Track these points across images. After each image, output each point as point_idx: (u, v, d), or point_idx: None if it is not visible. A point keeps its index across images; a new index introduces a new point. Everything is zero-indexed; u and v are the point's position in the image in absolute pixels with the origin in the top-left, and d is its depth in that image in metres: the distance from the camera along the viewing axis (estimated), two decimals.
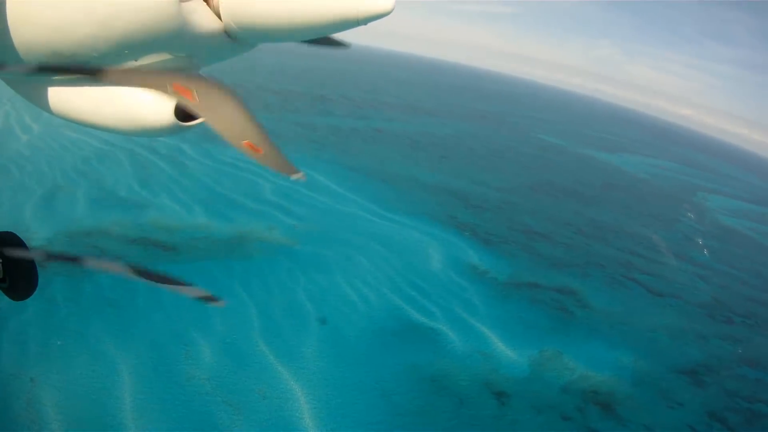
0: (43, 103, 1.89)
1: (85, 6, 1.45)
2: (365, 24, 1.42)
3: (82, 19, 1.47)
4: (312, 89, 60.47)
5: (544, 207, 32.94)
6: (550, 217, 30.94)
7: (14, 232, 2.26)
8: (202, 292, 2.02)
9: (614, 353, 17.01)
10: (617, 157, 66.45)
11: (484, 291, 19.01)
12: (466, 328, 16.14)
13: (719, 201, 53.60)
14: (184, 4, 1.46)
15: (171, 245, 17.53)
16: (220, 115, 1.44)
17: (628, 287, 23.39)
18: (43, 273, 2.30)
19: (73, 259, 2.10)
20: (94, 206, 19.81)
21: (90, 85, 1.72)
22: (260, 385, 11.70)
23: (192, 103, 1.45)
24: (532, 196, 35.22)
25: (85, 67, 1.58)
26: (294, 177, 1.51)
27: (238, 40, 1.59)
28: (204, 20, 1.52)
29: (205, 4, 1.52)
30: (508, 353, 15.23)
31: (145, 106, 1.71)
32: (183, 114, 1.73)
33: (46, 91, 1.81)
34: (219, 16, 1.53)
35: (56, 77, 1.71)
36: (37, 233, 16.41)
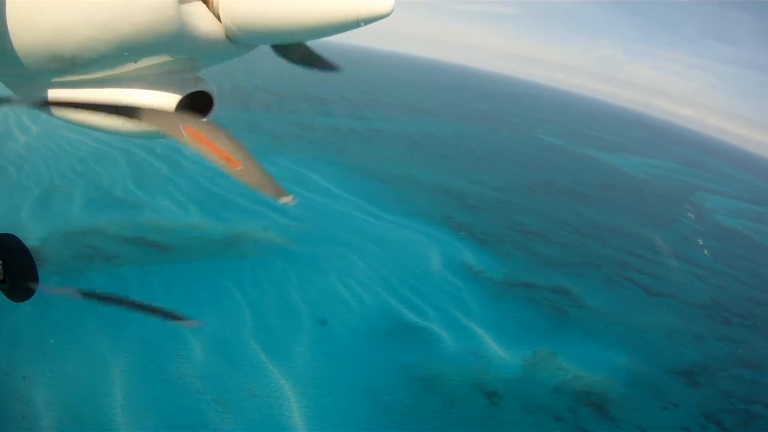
0: (43, 108, 1.87)
1: (85, 8, 1.46)
2: (365, 25, 1.42)
3: (82, 22, 1.47)
4: (311, 90, 60.60)
5: (541, 207, 32.89)
6: (548, 217, 30.88)
7: (14, 234, 2.30)
8: (175, 315, 2.06)
9: (609, 353, 16.96)
10: (617, 157, 66.27)
11: (479, 291, 19.00)
12: (459, 327, 16.13)
13: (719, 201, 53.38)
14: (183, 6, 1.47)
15: (165, 245, 17.61)
16: (220, 152, 1.49)
17: (624, 287, 23.32)
18: (40, 273, 2.34)
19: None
20: (90, 206, 19.93)
21: (90, 86, 1.73)
22: (250, 384, 11.74)
23: (201, 147, 1.49)
24: (530, 196, 35.17)
25: (114, 108, 1.62)
26: (283, 201, 1.51)
27: (237, 41, 1.59)
28: (203, 22, 1.52)
29: (204, 5, 1.52)
30: (501, 353, 15.21)
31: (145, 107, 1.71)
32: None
33: (46, 92, 1.82)
34: (218, 18, 1.53)
35: (56, 78, 1.71)
36: (33, 233, 16.52)
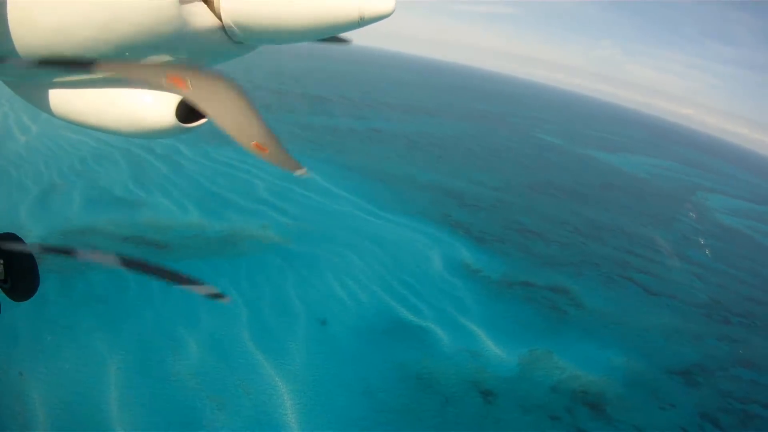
0: (44, 105, 1.89)
1: (85, 8, 1.46)
2: (366, 25, 1.43)
3: (83, 22, 1.48)
4: (311, 90, 60.67)
5: (540, 206, 32.83)
6: (547, 217, 30.83)
7: (15, 233, 2.29)
8: (209, 289, 1.98)
9: (606, 353, 16.91)
10: (617, 157, 66.15)
11: (476, 290, 18.97)
12: (456, 326, 16.11)
13: (719, 200, 53.24)
14: (184, 6, 1.47)
15: (163, 243, 17.65)
16: (220, 108, 1.41)
17: (623, 286, 23.26)
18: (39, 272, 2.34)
19: (69, 252, 2.10)
20: (89, 205, 19.99)
21: (91, 87, 1.73)
22: (245, 382, 11.76)
23: (188, 93, 1.43)
24: (529, 196, 35.12)
25: (80, 60, 1.58)
26: (298, 173, 1.49)
27: (238, 41, 1.59)
28: (204, 22, 1.52)
29: (205, 5, 1.52)
30: (498, 352, 15.18)
31: (146, 108, 1.72)
32: (185, 115, 1.73)
33: (47, 93, 1.82)
34: (219, 18, 1.53)
35: (57, 79, 1.73)
36: (32, 231, 16.58)
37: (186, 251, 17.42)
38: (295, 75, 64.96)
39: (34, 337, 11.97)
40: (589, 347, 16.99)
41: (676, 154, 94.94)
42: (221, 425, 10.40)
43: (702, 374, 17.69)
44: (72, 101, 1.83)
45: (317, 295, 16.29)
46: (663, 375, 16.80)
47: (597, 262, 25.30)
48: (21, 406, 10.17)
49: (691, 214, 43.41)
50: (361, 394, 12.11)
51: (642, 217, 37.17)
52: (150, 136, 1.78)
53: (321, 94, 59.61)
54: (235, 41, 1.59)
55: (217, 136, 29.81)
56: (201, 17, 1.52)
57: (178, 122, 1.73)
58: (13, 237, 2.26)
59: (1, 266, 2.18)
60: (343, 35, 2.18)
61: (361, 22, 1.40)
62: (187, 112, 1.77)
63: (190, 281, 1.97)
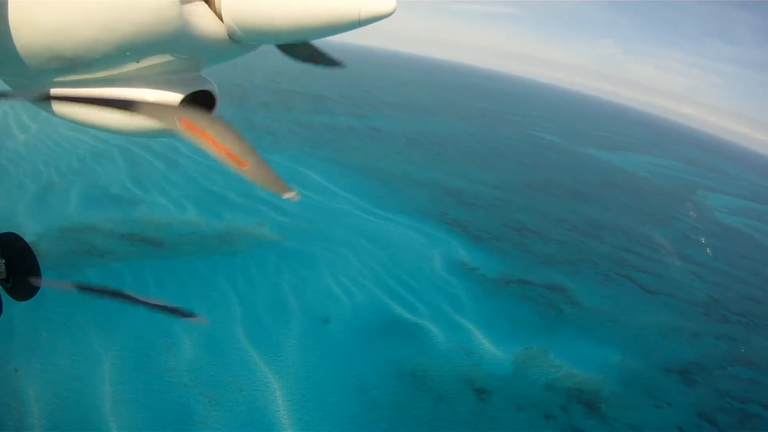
0: (44, 105, 1.89)
1: (86, 8, 1.46)
2: (366, 25, 1.43)
3: (84, 21, 1.48)
4: (311, 89, 60.65)
5: (539, 204, 32.76)
6: (545, 215, 30.76)
7: (16, 233, 2.30)
8: (182, 310, 2.08)
9: (602, 351, 16.87)
10: (618, 156, 65.95)
11: (472, 288, 18.95)
12: (451, 324, 16.10)
13: (719, 199, 53.03)
14: (185, 6, 1.47)
15: (159, 241, 17.70)
16: (221, 145, 1.49)
17: (621, 285, 23.19)
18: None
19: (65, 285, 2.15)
20: (87, 203, 20.06)
21: (91, 86, 1.74)
22: (238, 378, 11.79)
23: (198, 138, 1.49)
24: (528, 194, 35.05)
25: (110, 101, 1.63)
26: (286, 196, 1.51)
27: (239, 41, 1.59)
28: (205, 22, 1.53)
29: (206, 5, 1.52)
30: (493, 350, 15.17)
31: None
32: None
33: (48, 90, 1.82)
34: (220, 18, 1.53)
35: (57, 78, 1.72)
36: (29, 229, 16.66)
37: (182, 249, 17.47)
38: (295, 73, 64.91)
39: (30, 333, 12.03)
40: (586, 345, 16.95)
41: (677, 152, 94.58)
42: (214, 421, 10.44)
43: (700, 373, 17.62)
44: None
45: (313, 292, 16.31)
46: (660, 373, 16.74)
47: (595, 261, 25.23)
48: (16, 401, 10.23)
49: (691, 212, 43.26)
50: (355, 391, 12.12)
51: (642, 216, 37.05)
52: (151, 135, 1.78)
53: (321, 93, 59.61)
54: (235, 41, 1.59)
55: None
56: (202, 17, 1.52)
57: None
58: (14, 237, 2.27)
59: (3, 265, 2.18)
60: (337, 58, 2.24)
61: (362, 22, 1.40)
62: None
63: (162, 306, 2.08)
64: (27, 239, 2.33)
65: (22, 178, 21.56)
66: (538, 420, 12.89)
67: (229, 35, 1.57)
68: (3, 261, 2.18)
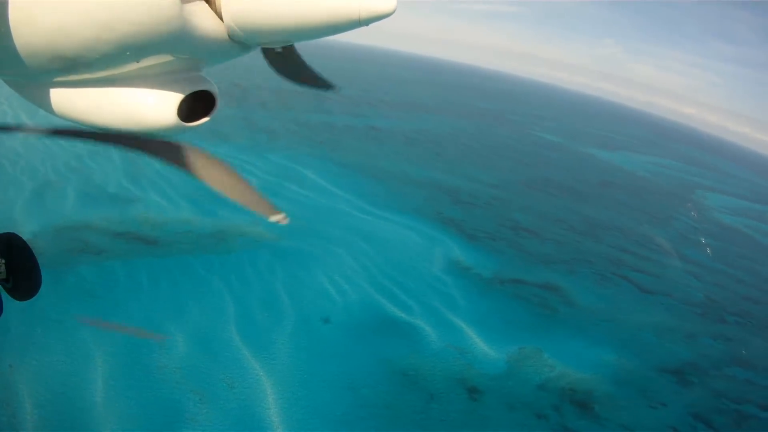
0: (44, 104, 1.90)
1: (87, 8, 1.46)
2: (367, 25, 1.43)
3: (84, 21, 1.48)
4: (311, 88, 60.51)
5: (536, 204, 32.69)
6: (542, 214, 30.70)
7: (16, 233, 2.31)
8: (144, 333, 2.12)
9: (596, 351, 16.82)
10: (618, 155, 65.76)
11: (466, 287, 18.93)
12: (444, 323, 16.08)
13: (718, 199, 52.84)
14: (186, 6, 1.47)
15: (154, 239, 17.73)
16: (214, 176, 1.54)
17: (617, 284, 23.12)
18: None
19: None
20: (83, 202, 20.11)
21: (92, 86, 1.74)
22: (229, 376, 11.82)
23: (195, 174, 1.55)
24: (525, 193, 34.98)
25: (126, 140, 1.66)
26: (273, 219, 1.52)
27: (240, 41, 1.59)
28: (206, 22, 1.53)
29: (206, 5, 1.53)
30: (486, 350, 15.14)
31: (147, 107, 1.72)
32: (186, 114, 1.75)
33: (48, 92, 1.83)
34: (221, 18, 1.54)
35: (58, 78, 1.72)
36: (25, 227, 16.70)
37: (177, 247, 17.50)
38: None
39: (25, 330, 12.08)
40: (579, 345, 16.90)
41: (677, 152, 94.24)
42: (204, 419, 10.47)
43: (695, 373, 17.54)
44: (73, 100, 1.83)
45: (306, 291, 16.32)
46: (654, 373, 16.67)
47: (591, 260, 25.17)
48: (10, 396, 10.30)
49: (691, 213, 43.11)
50: (345, 389, 12.13)
51: (640, 216, 36.93)
52: (150, 135, 1.79)
53: (320, 92, 59.45)
54: (236, 41, 1.59)
55: (212, 135, 29.84)
56: (202, 17, 1.52)
57: (180, 121, 1.73)
58: (15, 237, 2.27)
59: (3, 265, 2.18)
60: (332, 81, 2.31)
61: (362, 22, 1.40)
62: (188, 111, 1.78)
63: (126, 328, 2.11)
64: (23, 238, 2.35)
65: (20, 176, 21.62)
66: (530, 420, 12.87)
67: (229, 35, 1.57)
68: (3, 261, 2.18)
